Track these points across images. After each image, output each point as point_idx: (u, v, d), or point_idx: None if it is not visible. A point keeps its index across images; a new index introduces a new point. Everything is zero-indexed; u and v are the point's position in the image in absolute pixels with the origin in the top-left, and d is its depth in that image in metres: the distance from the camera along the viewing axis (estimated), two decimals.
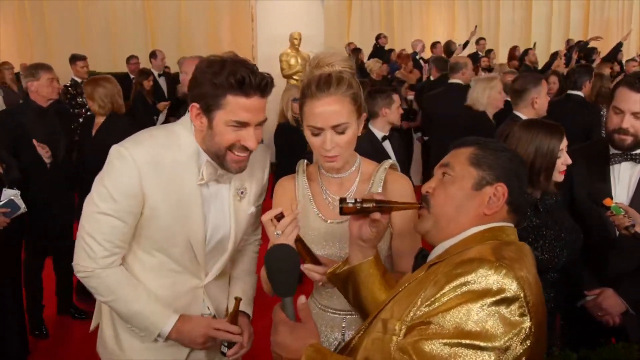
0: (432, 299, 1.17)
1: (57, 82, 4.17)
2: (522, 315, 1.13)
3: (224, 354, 1.88)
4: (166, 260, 1.83)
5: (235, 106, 1.60)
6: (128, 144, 1.72)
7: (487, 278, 1.13)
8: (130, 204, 1.70)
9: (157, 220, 1.74)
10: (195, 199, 1.76)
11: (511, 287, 1.13)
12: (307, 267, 1.62)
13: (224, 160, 1.69)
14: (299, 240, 1.58)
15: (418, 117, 7.06)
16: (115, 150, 1.71)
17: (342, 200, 1.47)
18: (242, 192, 1.87)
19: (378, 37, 11.98)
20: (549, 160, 2.18)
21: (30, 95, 4.06)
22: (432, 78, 7.30)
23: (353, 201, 1.46)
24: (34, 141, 3.79)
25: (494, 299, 1.12)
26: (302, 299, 1.31)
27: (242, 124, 1.63)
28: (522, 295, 1.13)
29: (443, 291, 1.15)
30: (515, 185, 1.36)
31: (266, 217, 1.54)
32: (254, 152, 1.80)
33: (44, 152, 3.81)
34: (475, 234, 1.33)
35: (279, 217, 1.53)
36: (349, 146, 1.69)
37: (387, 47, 12.00)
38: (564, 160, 2.21)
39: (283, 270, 1.30)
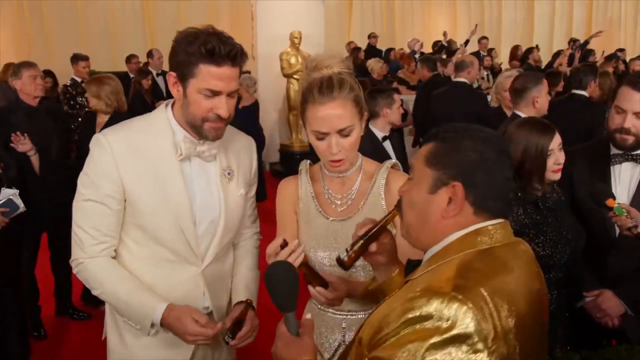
0: (386, 332, 1.09)
1: (41, 79, 4.17)
2: (476, 351, 1.03)
3: (227, 343, 1.86)
4: (159, 249, 1.82)
5: (207, 75, 1.65)
6: (107, 131, 1.81)
7: (436, 313, 1.04)
8: (111, 188, 1.75)
9: (141, 205, 1.76)
10: (175, 175, 1.78)
11: (463, 322, 1.03)
12: (314, 292, 1.62)
13: (201, 129, 1.73)
14: (304, 264, 1.59)
15: (409, 117, 6.99)
16: (94, 138, 1.79)
17: (339, 260, 1.46)
18: (229, 173, 1.88)
19: (369, 37, 12.02)
20: (540, 161, 2.18)
21: (19, 95, 4.06)
22: (423, 80, 7.07)
23: (346, 253, 1.45)
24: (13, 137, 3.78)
25: (442, 337, 1.03)
26: (307, 315, 1.33)
27: (214, 93, 1.68)
28: (477, 329, 1.04)
29: (396, 325, 1.08)
30: (481, 180, 1.19)
31: (270, 248, 1.55)
32: (239, 141, 1.93)
33: (24, 146, 3.79)
34: (455, 242, 1.21)
35: (283, 245, 1.54)
36: (354, 148, 1.70)
37: (387, 47, 12.02)
38: (555, 159, 2.21)
39: (282, 287, 1.31)
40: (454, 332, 1.03)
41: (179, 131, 1.79)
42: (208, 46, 1.62)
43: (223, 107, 1.69)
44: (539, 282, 1.25)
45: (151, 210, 1.77)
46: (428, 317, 1.04)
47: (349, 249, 1.45)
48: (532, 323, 1.18)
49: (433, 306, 1.05)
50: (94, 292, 1.85)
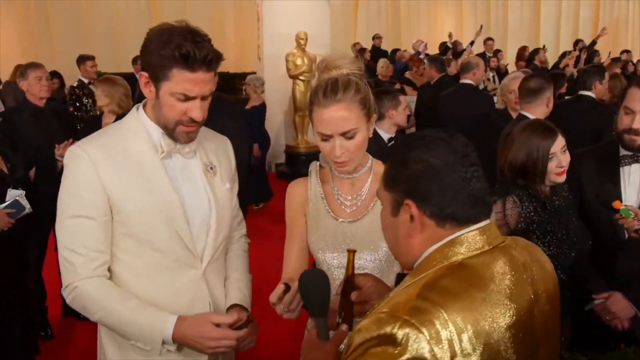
0: (353, 349, 1.07)
1: (47, 80, 4.18)
2: None
3: None
4: (154, 256, 1.74)
5: (181, 79, 1.60)
6: (80, 142, 1.74)
7: (390, 337, 1.02)
8: (95, 198, 1.67)
9: (130, 211, 1.69)
10: (160, 175, 1.72)
11: (414, 347, 1.00)
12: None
13: (173, 132, 1.70)
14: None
15: (411, 119, 6.95)
16: (68, 152, 1.72)
17: (339, 324, 1.45)
18: (211, 168, 1.84)
19: (373, 38, 12.01)
20: (541, 165, 2.21)
21: (26, 96, 4.09)
22: (431, 81, 6.95)
23: (338, 317, 1.45)
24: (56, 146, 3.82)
25: None
26: (343, 327, 1.35)
27: (188, 97, 1.63)
28: (431, 354, 1.01)
29: (359, 342, 1.06)
30: (432, 190, 1.13)
31: (274, 296, 1.53)
32: (215, 141, 1.90)
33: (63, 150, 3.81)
34: (428, 257, 1.17)
35: (286, 291, 1.53)
36: (359, 150, 1.69)
37: (393, 48, 12.01)
38: (557, 162, 2.22)
39: (316, 294, 1.34)
40: (405, 357, 1.00)
41: (155, 130, 1.73)
42: (182, 51, 1.56)
43: (197, 110, 1.65)
44: (532, 287, 1.19)
45: (141, 215, 1.69)
46: (382, 340, 1.02)
47: (338, 312, 1.45)
48: (527, 330, 1.13)
49: (387, 330, 1.02)
50: (94, 318, 1.71)
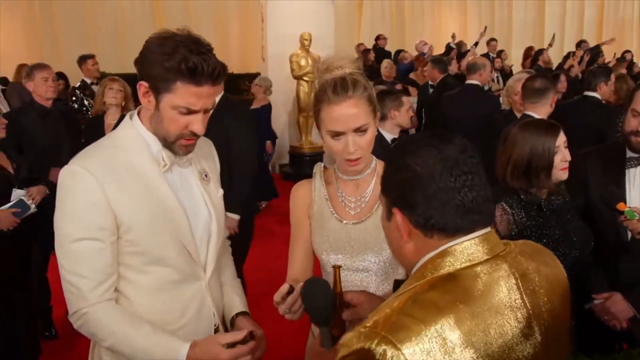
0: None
1: (53, 81, 4.19)
2: None
3: None
4: (163, 272, 1.69)
5: (185, 93, 1.55)
6: (75, 160, 1.64)
7: (367, 354, 0.99)
8: (102, 218, 1.59)
9: (139, 227, 1.63)
10: (164, 188, 1.67)
11: None
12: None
13: (173, 145, 1.65)
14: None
15: (413, 119, 6.92)
16: (63, 171, 1.62)
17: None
18: (206, 175, 1.83)
19: (377, 39, 11.98)
20: (547, 159, 2.20)
21: (33, 96, 4.11)
22: (432, 82, 6.93)
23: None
24: None
25: None
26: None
27: (191, 111, 1.59)
28: None
29: (343, 354, 1.03)
30: (417, 199, 1.10)
31: (277, 296, 1.52)
32: (202, 145, 1.83)
33: None
34: (421, 267, 1.14)
35: (289, 292, 1.51)
36: (370, 146, 1.69)
37: (397, 48, 11.98)
38: (562, 157, 2.22)
39: (319, 303, 1.35)
40: None
41: (154, 142, 1.67)
42: (189, 64, 1.50)
43: (198, 123, 1.61)
44: (531, 299, 1.14)
45: (150, 231, 1.63)
46: (361, 356, 1.00)
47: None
48: (522, 345, 1.08)
49: (366, 345, 1.00)
50: (104, 344, 1.66)
